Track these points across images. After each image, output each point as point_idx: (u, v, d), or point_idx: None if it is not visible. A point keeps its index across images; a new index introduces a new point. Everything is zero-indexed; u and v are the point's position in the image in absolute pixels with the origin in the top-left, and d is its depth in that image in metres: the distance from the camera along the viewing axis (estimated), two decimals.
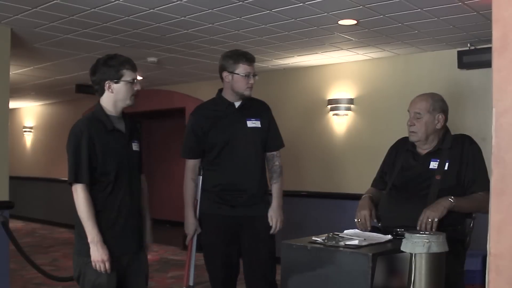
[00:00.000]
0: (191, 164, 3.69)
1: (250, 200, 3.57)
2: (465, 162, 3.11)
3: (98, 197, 2.88)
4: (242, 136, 3.58)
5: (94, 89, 3.04)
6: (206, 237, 3.65)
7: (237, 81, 3.56)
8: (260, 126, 3.64)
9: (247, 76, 3.54)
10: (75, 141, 2.87)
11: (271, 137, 3.72)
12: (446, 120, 3.23)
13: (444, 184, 3.07)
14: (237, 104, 3.64)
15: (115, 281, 2.90)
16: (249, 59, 3.58)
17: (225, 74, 3.60)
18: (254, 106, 3.71)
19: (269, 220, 3.61)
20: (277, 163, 3.74)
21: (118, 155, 2.95)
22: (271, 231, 3.62)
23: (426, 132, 3.20)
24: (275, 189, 3.71)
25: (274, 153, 3.75)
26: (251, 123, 3.62)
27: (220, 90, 3.70)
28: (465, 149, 3.15)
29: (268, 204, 3.67)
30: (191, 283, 3.76)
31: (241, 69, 3.55)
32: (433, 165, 3.15)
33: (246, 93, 3.58)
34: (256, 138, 3.62)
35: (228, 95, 3.64)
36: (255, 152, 3.61)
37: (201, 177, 3.66)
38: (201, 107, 3.80)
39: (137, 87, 3.01)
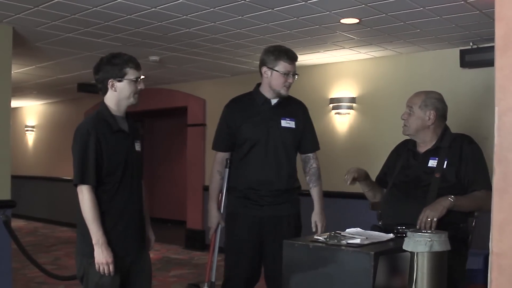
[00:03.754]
0: (220, 157, 3.62)
1: (276, 200, 3.49)
2: (465, 161, 3.12)
3: (103, 198, 2.86)
4: (275, 135, 3.50)
5: (97, 88, 3.02)
6: (231, 237, 3.56)
7: (276, 78, 3.47)
8: (294, 126, 3.56)
9: (286, 74, 3.46)
10: (82, 142, 2.84)
11: (307, 139, 3.65)
12: (440, 118, 3.23)
13: (444, 182, 3.08)
14: (273, 101, 3.55)
15: (119, 281, 2.89)
16: (290, 57, 3.49)
17: (264, 69, 3.50)
18: (290, 105, 3.62)
19: (313, 225, 3.57)
20: (314, 165, 3.68)
21: (124, 156, 2.94)
22: (316, 236, 3.56)
23: (416, 127, 3.23)
24: (316, 193, 3.63)
25: (311, 155, 3.68)
26: (285, 123, 3.53)
27: (258, 85, 3.60)
28: (464, 148, 3.15)
29: (296, 204, 3.59)
30: (213, 279, 3.68)
31: (281, 66, 3.45)
32: (432, 163, 3.16)
33: (283, 92, 3.49)
34: (288, 138, 3.53)
35: (265, 91, 3.54)
36: (286, 152, 3.53)
37: (227, 169, 3.59)
38: (237, 99, 3.68)
39: (140, 86, 3.00)
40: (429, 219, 2.87)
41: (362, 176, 3.25)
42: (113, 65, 2.94)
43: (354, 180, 3.21)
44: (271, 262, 3.50)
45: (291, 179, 3.57)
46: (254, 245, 3.50)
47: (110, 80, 2.94)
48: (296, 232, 3.55)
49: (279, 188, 3.50)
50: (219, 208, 3.64)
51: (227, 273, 3.57)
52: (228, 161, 3.60)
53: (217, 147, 3.66)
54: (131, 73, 2.96)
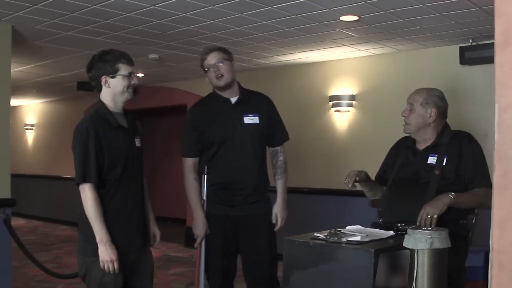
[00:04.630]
0: (191, 164, 3.59)
1: (248, 199, 3.51)
2: (464, 158, 3.11)
3: (104, 195, 2.86)
4: (239, 133, 3.50)
5: (92, 86, 3.02)
6: (206, 239, 3.58)
7: (209, 76, 3.53)
8: (258, 121, 3.55)
9: (212, 67, 3.48)
10: (82, 140, 2.84)
11: (274, 132, 3.63)
12: (441, 115, 3.23)
13: (443, 179, 3.07)
14: (233, 100, 3.56)
15: (122, 279, 2.90)
16: (206, 51, 3.53)
17: (205, 75, 3.59)
18: (252, 100, 3.62)
19: (274, 217, 3.58)
20: (281, 158, 3.67)
21: (124, 152, 2.94)
22: (275, 228, 3.58)
23: (417, 125, 3.22)
24: (280, 185, 3.65)
25: (278, 148, 3.67)
26: (248, 119, 3.53)
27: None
28: (464, 146, 3.15)
29: (268, 202, 3.62)
30: None
31: (206, 63, 3.51)
32: (431, 160, 3.16)
33: (218, 83, 3.50)
34: (254, 134, 3.53)
35: (220, 92, 3.57)
36: (253, 149, 3.53)
37: (205, 175, 3.55)
38: (199, 103, 3.70)
39: (134, 81, 2.99)
40: (429, 216, 2.86)
41: (363, 178, 3.23)
42: (104, 61, 2.94)
43: (355, 182, 3.19)
44: (248, 262, 3.55)
45: (261, 176, 3.57)
46: (229, 245, 3.54)
47: (103, 77, 2.94)
48: (270, 231, 3.57)
49: (249, 186, 3.50)
50: (204, 215, 3.58)
51: (208, 274, 3.60)
52: (204, 167, 3.56)
53: (188, 153, 3.62)
54: (123, 69, 2.95)
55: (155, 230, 3.21)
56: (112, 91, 2.96)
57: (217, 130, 3.51)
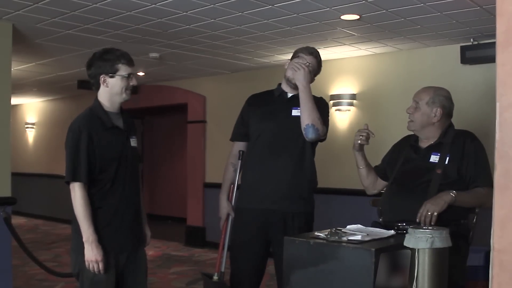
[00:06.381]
0: (235, 149, 3.67)
1: (280, 193, 3.40)
2: (467, 157, 3.10)
3: (96, 195, 2.85)
4: (283, 124, 3.45)
5: (90, 83, 3.00)
6: (235, 232, 3.54)
7: (288, 67, 3.53)
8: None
9: (302, 60, 3.51)
10: (74, 139, 2.85)
11: None
12: (446, 116, 3.23)
13: (445, 178, 3.06)
14: (289, 94, 3.54)
15: (114, 278, 2.88)
16: (311, 51, 3.61)
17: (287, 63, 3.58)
18: None
19: None
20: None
21: (117, 153, 2.91)
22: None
23: (421, 123, 3.22)
24: None
25: None
26: (296, 112, 3.45)
27: (279, 84, 3.63)
28: (467, 145, 3.14)
29: (308, 202, 3.51)
30: (222, 270, 3.65)
31: (300, 55, 3.54)
32: (434, 158, 3.15)
33: (288, 74, 3.49)
34: (299, 128, 3.41)
35: (284, 85, 3.57)
36: (294, 143, 3.44)
37: (240, 161, 3.61)
38: (256, 94, 3.74)
39: (133, 82, 2.96)
40: (429, 213, 2.86)
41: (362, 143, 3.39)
42: (104, 60, 2.91)
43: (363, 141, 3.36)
44: (277, 260, 3.43)
45: (300, 173, 3.46)
46: (258, 241, 3.46)
47: (102, 76, 2.91)
48: (300, 232, 3.37)
49: (283, 181, 3.41)
50: (229, 199, 3.65)
51: (233, 268, 3.54)
52: (241, 153, 3.62)
53: (232, 137, 3.72)
54: (123, 69, 2.92)
55: (146, 230, 3.19)
56: (110, 91, 2.93)
57: (261, 118, 3.51)
